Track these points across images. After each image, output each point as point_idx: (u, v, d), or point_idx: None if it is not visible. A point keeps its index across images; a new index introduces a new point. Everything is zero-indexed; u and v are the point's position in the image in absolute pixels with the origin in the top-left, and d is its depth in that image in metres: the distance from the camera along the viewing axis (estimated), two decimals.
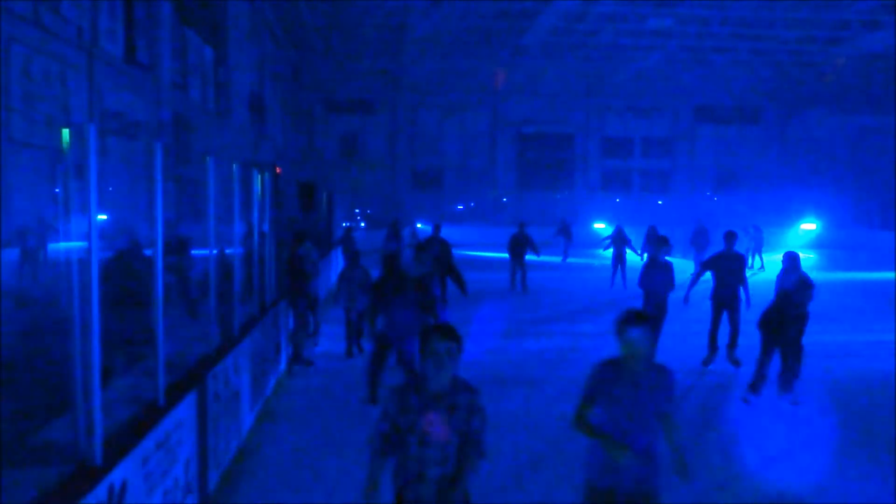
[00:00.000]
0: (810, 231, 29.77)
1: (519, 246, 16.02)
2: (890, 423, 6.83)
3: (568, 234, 23.17)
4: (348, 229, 18.36)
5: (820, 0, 24.37)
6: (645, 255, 17.03)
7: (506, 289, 15.92)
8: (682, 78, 34.69)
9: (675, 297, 9.12)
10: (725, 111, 36.44)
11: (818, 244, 27.88)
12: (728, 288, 8.84)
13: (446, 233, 14.57)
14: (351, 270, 9.71)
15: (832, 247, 26.91)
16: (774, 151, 36.40)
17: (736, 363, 8.80)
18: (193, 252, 8.96)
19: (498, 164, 35.76)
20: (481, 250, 25.81)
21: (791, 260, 8.29)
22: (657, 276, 8.62)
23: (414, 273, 8.04)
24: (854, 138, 35.06)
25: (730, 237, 9.15)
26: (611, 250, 17.26)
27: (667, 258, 8.92)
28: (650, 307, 8.50)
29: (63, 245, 5.53)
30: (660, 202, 35.38)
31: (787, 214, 29.81)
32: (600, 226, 28.15)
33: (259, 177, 7.56)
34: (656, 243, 8.80)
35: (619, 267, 16.84)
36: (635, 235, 21.22)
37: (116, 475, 3.21)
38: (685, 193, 35.74)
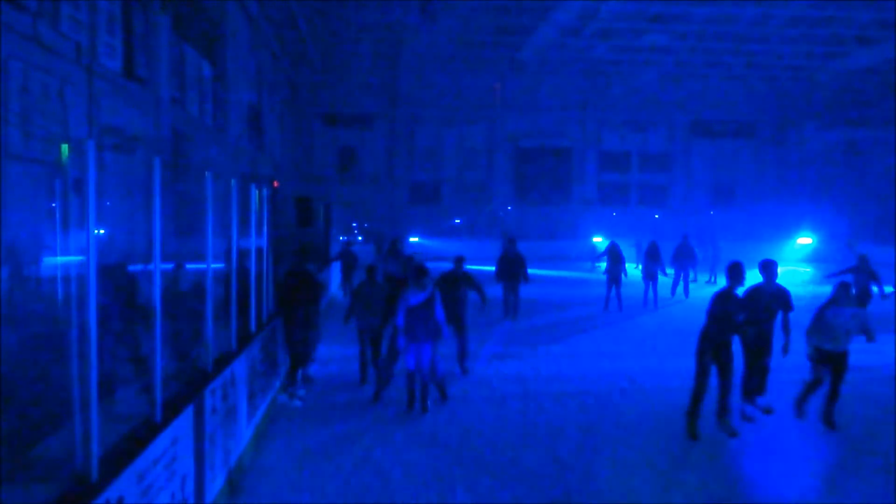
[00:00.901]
0: (806, 245, 29.83)
1: (511, 268, 13.66)
2: (889, 426, 7.24)
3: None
4: (347, 244, 18.16)
5: (814, 16, 24.59)
6: (640, 266, 16.59)
7: (498, 316, 13.78)
8: (678, 93, 34.91)
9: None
10: (721, 126, 36.64)
11: (814, 258, 27.93)
12: (757, 327, 7.32)
13: (444, 246, 14.26)
14: (367, 286, 8.83)
15: (828, 261, 26.96)
16: (770, 166, 36.57)
17: (767, 410, 7.66)
18: (190, 267, 8.83)
19: (495, 178, 35.85)
20: (479, 264, 25.80)
21: (844, 288, 7.18)
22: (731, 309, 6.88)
23: (414, 301, 7.48)
24: (849, 152, 35.23)
25: (768, 268, 7.50)
26: (604, 265, 15.85)
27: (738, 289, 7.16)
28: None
29: (60, 259, 5.52)
30: (657, 216, 35.48)
31: (783, 228, 29.90)
32: (598, 239, 28.19)
33: (257, 191, 7.57)
34: (729, 272, 6.99)
35: (615, 287, 15.39)
36: (635, 249, 20.85)
37: (113, 492, 3.19)
38: (682, 207, 35.84)
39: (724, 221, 32.47)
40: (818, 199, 33.24)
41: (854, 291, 11.29)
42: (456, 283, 9.77)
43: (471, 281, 10.11)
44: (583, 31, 25.86)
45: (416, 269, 7.64)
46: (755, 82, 34.23)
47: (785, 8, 23.56)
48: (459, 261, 10.43)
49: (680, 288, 17.41)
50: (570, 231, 32.78)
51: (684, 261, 17.38)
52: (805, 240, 30.10)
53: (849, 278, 11.59)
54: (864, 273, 12.10)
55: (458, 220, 35.14)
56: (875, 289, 12.07)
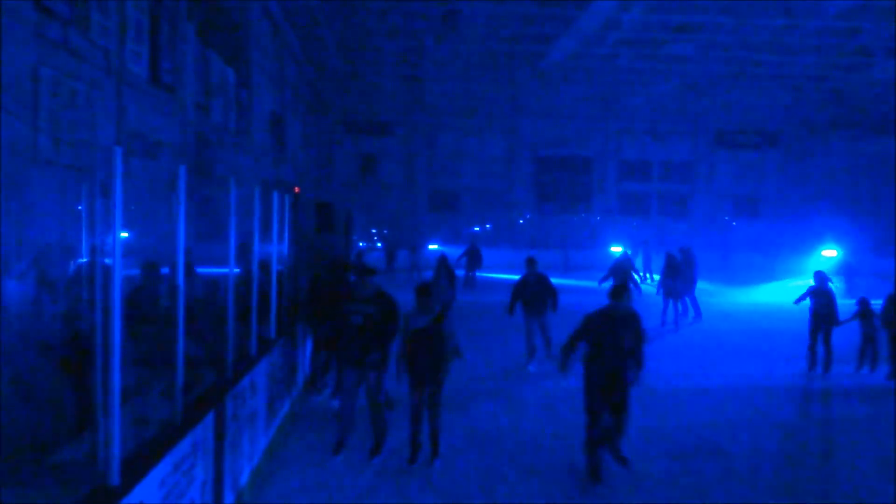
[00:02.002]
0: (831, 258, 29.36)
1: (533, 293, 10.49)
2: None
3: (474, 258, 22.84)
4: (359, 253, 17.39)
5: (840, 27, 24.30)
6: (655, 278, 15.01)
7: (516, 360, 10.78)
8: (700, 102, 34.65)
9: None
10: (745, 136, 36.31)
11: (839, 271, 27.47)
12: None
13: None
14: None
15: (854, 273, 26.52)
16: (794, 177, 36.14)
17: None
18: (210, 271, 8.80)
19: (515, 186, 35.82)
20: (498, 272, 25.74)
21: None
22: None
23: (414, 324, 6.40)
24: (875, 163, 34.71)
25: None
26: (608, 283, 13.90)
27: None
28: None
29: (83, 262, 5.57)
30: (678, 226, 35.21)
31: (807, 240, 29.50)
32: (617, 249, 28.01)
33: (279, 197, 7.61)
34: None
35: None
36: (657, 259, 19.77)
37: (133, 497, 3.20)
38: (704, 218, 35.54)
39: (747, 232, 32.13)
40: (843, 210, 32.75)
41: (811, 317, 10.45)
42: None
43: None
44: (605, 40, 25.79)
45: (419, 287, 6.57)
46: (779, 92, 33.88)
47: (811, 18, 23.31)
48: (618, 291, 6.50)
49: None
50: (590, 240, 32.62)
51: (688, 274, 15.39)
52: (830, 252, 29.64)
53: (814, 301, 10.49)
54: (823, 296, 10.50)
55: (477, 228, 35.14)
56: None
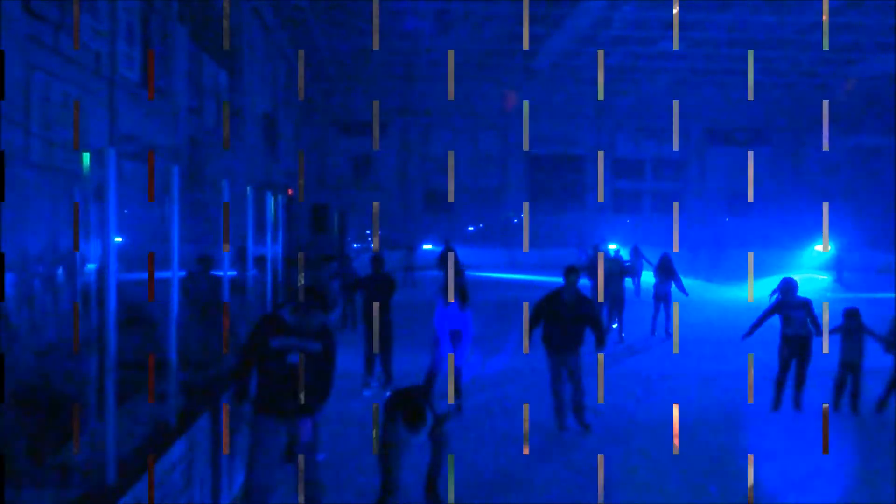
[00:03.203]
0: (824, 253, 29.51)
1: (568, 321, 7.29)
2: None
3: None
4: (347, 258, 16.34)
5: (832, 22, 24.42)
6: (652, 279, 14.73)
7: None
8: (692, 99, 34.74)
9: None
10: (737, 133, 36.47)
11: (832, 266, 27.64)
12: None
13: (458, 254, 13.18)
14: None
15: (846, 269, 26.68)
16: (786, 173, 36.32)
17: None
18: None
19: (509, 185, 35.89)
20: (496, 272, 25.81)
21: None
22: None
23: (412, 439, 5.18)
24: (867, 159, 34.92)
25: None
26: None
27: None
28: None
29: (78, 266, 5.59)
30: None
31: (799, 236, 29.65)
32: (612, 247, 28.07)
33: (272, 199, 7.63)
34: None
35: (615, 311, 12.75)
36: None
37: (130, 497, 3.22)
38: (697, 215, 35.65)
39: (739, 228, 32.29)
40: (835, 206, 32.86)
41: (781, 340, 8.04)
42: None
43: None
44: (597, 38, 25.86)
45: (411, 410, 5.02)
46: (771, 89, 34.02)
47: (802, 14, 23.45)
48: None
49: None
50: (584, 238, 32.68)
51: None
52: (822, 247, 29.78)
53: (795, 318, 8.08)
54: (798, 307, 8.04)
55: (471, 228, 35.18)
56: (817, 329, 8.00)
